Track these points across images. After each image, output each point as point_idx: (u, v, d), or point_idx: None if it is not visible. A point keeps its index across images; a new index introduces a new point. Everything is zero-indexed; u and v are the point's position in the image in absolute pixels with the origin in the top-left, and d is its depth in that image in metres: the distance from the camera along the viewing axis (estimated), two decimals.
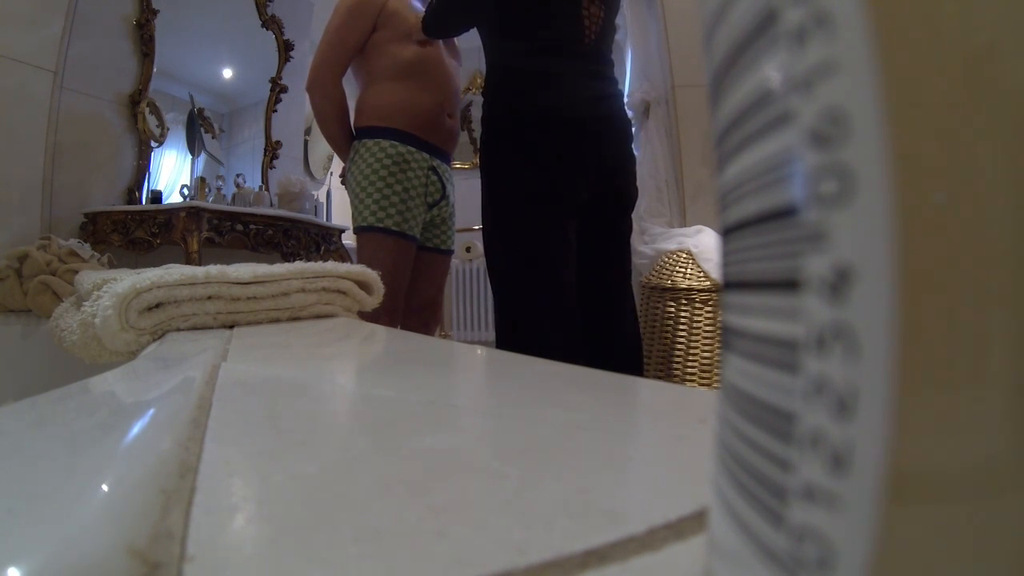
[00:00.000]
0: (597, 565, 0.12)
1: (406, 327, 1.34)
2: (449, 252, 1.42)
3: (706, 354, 1.44)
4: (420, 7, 1.35)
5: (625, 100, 1.90)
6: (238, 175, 2.30)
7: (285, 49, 2.48)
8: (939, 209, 0.06)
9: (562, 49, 1.02)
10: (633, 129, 1.92)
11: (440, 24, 1.11)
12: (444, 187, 1.33)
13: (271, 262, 0.70)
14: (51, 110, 1.64)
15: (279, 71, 2.46)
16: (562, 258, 1.00)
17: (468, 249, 2.91)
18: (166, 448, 0.18)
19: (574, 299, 1.01)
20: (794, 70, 0.07)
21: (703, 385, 1.42)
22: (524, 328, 1.00)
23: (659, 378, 1.48)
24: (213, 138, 2.27)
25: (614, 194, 1.09)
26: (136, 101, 1.92)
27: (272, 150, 2.46)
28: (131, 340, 0.53)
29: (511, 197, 1.03)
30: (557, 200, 1.00)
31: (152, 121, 1.96)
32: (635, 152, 1.21)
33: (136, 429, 0.22)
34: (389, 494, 0.15)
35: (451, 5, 1.07)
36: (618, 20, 2.11)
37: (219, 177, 2.22)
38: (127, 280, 0.54)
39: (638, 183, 1.18)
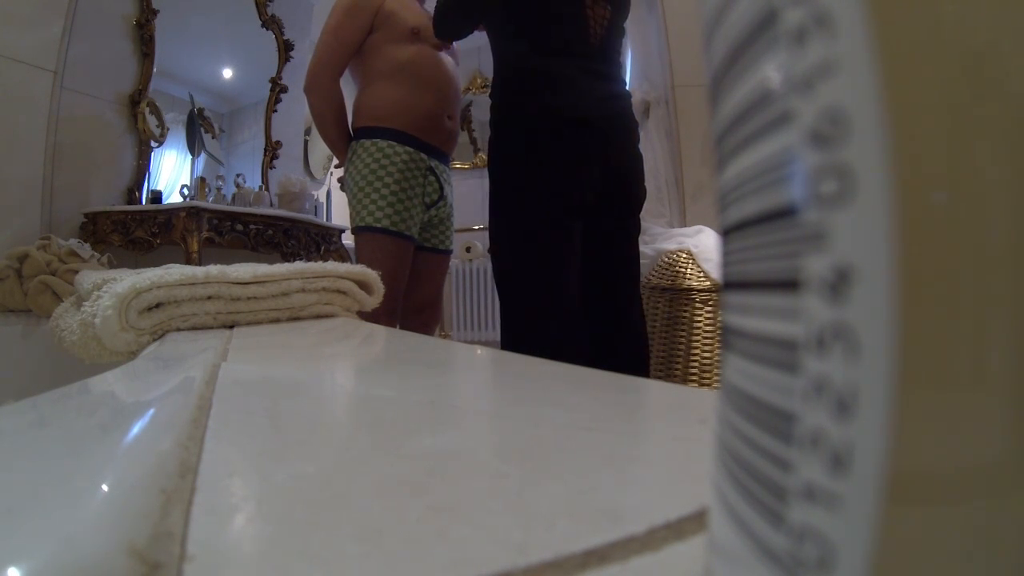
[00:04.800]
0: (597, 565, 0.12)
1: (406, 327, 1.34)
2: (448, 252, 1.43)
3: (706, 354, 1.44)
4: (418, 7, 1.35)
5: None
6: (238, 175, 2.30)
7: (285, 49, 2.48)
8: (939, 209, 0.06)
9: (566, 49, 1.01)
10: None
11: (445, 26, 1.11)
12: (442, 188, 1.33)
13: (271, 262, 0.70)
14: (51, 110, 1.64)
15: (279, 71, 2.46)
16: (566, 262, 0.99)
17: (468, 249, 2.91)
18: (166, 448, 0.18)
19: (578, 303, 1.00)
20: (794, 70, 0.07)
21: (703, 385, 1.42)
22: (529, 334, 0.99)
23: (659, 378, 1.48)
24: (213, 138, 2.27)
25: (621, 196, 1.08)
26: (136, 101, 1.92)
27: (272, 150, 2.46)
28: (131, 340, 0.53)
29: (515, 200, 1.02)
30: (561, 203, 1.00)
31: (152, 121, 1.96)
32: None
33: (136, 429, 0.22)
34: (389, 494, 0.15)
35: (452, 6, 1.07)
36: None
37: (219, 177, 2.22)
38: (127, 280, 0.54)
39: None
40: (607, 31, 1.04)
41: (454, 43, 1.40)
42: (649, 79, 1.89)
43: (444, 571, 0.12)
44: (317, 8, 2.61)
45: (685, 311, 1.47)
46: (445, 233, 1.40)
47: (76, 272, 1.25)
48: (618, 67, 1.09)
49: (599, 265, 1.07)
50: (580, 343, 0.99)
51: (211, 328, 0.57)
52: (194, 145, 2.18)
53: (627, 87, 1.12)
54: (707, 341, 1.44)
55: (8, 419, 0.26)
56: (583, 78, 1.01)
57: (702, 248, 1.50)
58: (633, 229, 1.13)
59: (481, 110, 3.13)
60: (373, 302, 0.74)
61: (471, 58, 2.95)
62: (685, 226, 1.72)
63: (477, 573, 0.11)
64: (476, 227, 2.88)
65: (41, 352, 1.28)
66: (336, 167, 1.46)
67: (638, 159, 1.12)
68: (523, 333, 1.00)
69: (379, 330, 0.60)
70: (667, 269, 1.53)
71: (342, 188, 1.37)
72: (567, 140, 0.99)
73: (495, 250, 1.05)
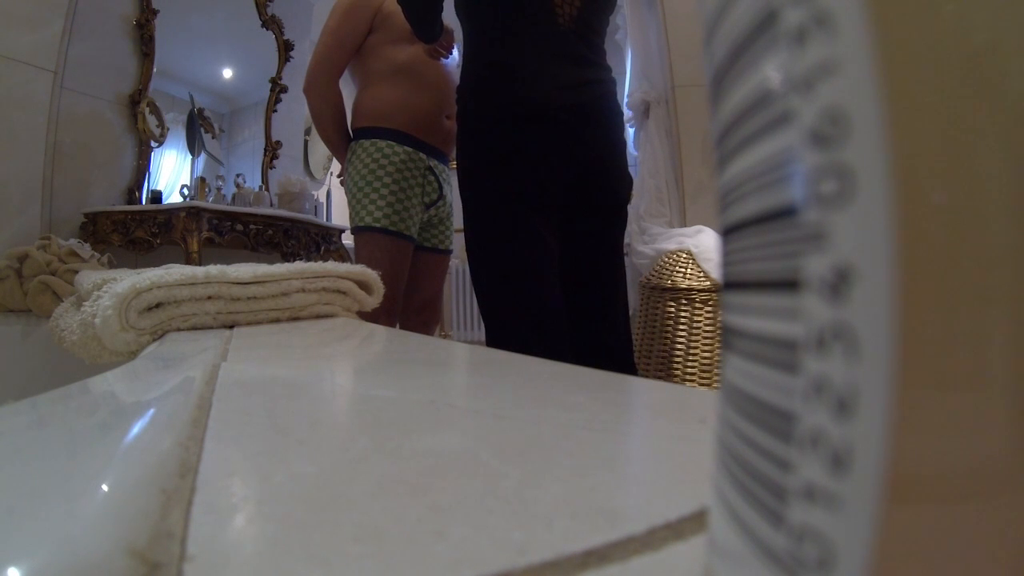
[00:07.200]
0: (597, 565, 0.12)
1: (405, 327, 1.34)
2: (448, 252, 1.43)
3: (706, 354, 1.44)
4: None
5: (625, 100, 1.89)
6: (238, 175, 2.31)
7: (285, 49, 2.48)
8: (939, 209, 0.06)
9: (529, 33, 0.93)
10: (628, 120, 1.88)
11: (414, 26, 1.06)
12: (441, 187, 1.34)
13: (271, 262, 0.70)
14: (51, 110, 1.64)
15: (279, 71, 2.47)
16: (536, 262, 0.93)
17: None
18: (166, 448, 0.18)
19: (556, 305, 0.95)
20: (794, 70, 0.07)
21: (703, 385, 1.42)
22: (501, 336, 0.95)
23: (659, 378, 1.48)
24: (213, 138, 2.27)
25: (601, 189, 1.00)
26: (136, 101, 1.92)
27: (272, 150, 2.46)
28: (131, 340, 0.53)
29: (479, 203, 0.96)
30: (524, 202, 0.92)
31: (152, 121, 1.96)
32: (627, 140, 1.12)
33: (136, 429, 0.22)
34: (389, 494, 0.15)
35: (408, 5, 1.02)
36: (618, 20, 2.07)
37: (219, 177, 2.23)
38: (127, 280, 0.54)
39: (638, 183, 1.14)
40: (579, 10, 0.95)
41: (454, 43, 1.40)
42: (649, 79, 1.89)
43: (444, 571, 0.12)
44: (317, 8, 2.61)
45: (685, 311, 1.47)
46: (445, 233, 1.40)
47: (76, 272, 1.25)
48: (598, 50, 1.00)
49: (579, 262, 1.01)
50: (557, 344, 0.94)
51: (211, 328, 0.57)
52: (194, 145, 2.18)
53: (609, 72, 1.01)
54: (707, 341, 1.44)
55: (8, 419, 0.26)
56: (547, 65, 0.93)
57: (702, 248, 1.51)
58: (617, 225, 1.04)
59: None
60: (373, 302, 0.74)
61: None
62: (685, 226, 1.72)
63: (477, 573, 0.11)
64: None
65: (41, 352, 1.28)
66: (338, 176, 1.46)
67: (618, 147, 1.03)
68: (496, 335, 0.96)
69: (379, 330, 0.60)
70: (667, 269, 1.53)
71: (341, 182, 1.36)
72: (526, 136, 0.92)
73: (468, 258, 1.00)
